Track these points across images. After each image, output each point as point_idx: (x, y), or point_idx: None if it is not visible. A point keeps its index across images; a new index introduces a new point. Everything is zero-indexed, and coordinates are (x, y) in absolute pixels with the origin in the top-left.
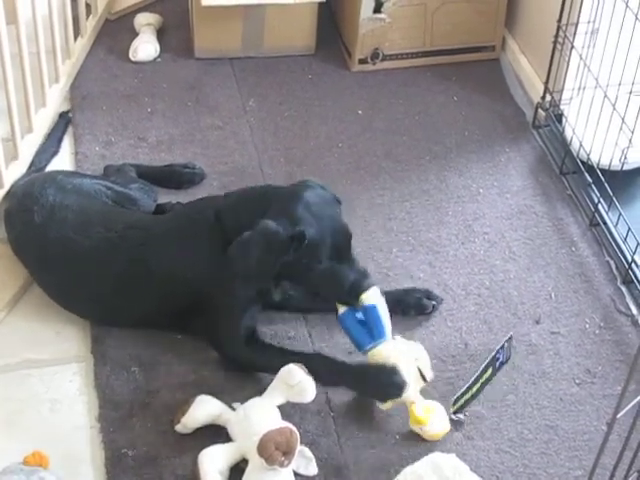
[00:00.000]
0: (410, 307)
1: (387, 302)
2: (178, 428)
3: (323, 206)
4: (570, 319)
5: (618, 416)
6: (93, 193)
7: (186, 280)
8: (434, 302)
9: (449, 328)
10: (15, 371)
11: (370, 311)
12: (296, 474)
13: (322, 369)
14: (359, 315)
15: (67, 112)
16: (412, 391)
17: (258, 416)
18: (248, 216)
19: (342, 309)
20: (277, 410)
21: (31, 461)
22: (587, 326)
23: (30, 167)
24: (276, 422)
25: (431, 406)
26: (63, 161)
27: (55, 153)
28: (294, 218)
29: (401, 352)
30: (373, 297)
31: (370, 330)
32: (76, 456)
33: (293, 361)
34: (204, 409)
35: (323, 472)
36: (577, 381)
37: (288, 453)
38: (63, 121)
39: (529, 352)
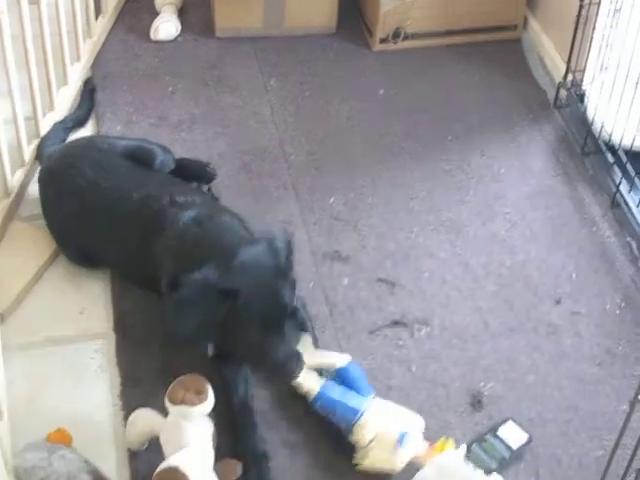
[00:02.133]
0: None
1: None
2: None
3: (261, 271)
4: (591, 299)
5: None
6: (122, 150)
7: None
8: None
9: (469, 308)
10: (38, 348)
11: (343, 376)
12: None
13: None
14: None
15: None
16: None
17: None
18: (186, 259)
19: (313, 392)
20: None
21: (54, 438)
22: (608, 306)
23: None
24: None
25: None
26: None
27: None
28: (229, 275)
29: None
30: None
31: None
32: (98, 433)
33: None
34: (134, 431)
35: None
36: (597, 361)
37: (200, 393)
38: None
39: (549, 332)
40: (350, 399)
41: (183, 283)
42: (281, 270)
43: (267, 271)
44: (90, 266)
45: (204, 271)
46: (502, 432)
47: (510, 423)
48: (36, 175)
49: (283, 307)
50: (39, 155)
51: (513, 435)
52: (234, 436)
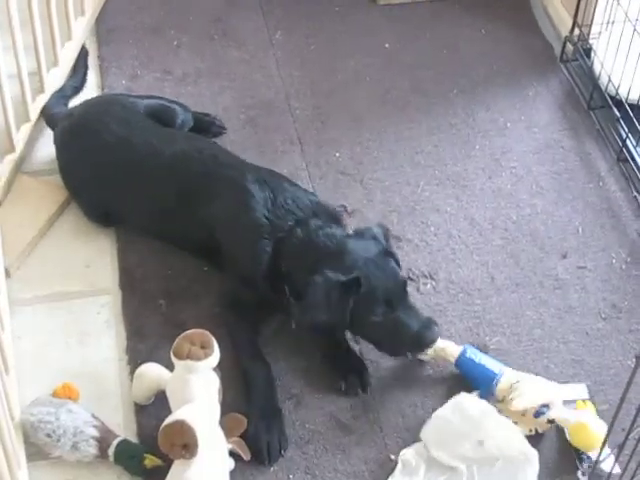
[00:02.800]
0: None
1: None
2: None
3: (373, 256)
4: (597, 254)
5: None
6: (144, 108)
7: (222, 239)
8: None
9: (475, 262)
10: (43, 303)
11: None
12: None
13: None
14: (472, 356)
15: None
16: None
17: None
18: (299, 260)
19: (456, 354)
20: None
21: (61, 393)
22: (614, 261)
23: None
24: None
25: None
26: (90, 95)
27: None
28: (346, 267)
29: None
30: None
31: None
32: (104, 388)
33: (238, 345)
34: (140, 386)
35: (349, 404)
36: (603, 316)
37: (206, 348)
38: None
39: (555, 286)
40: (490, 360)
41: (307, 287)
42: (388, 251)
43: (377, 254)
44: (111, 224)
45: (323, 271)
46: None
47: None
48: (41, 131)
49: (402, 282)
50: (49, 119)
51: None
52: (248, 390)
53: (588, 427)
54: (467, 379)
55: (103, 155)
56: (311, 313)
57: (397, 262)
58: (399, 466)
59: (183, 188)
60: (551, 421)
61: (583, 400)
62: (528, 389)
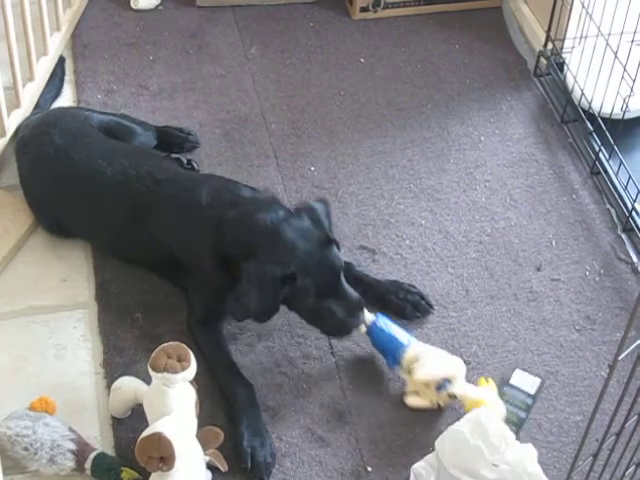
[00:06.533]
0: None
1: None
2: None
3: (312, 246)
4: (570, 266)
5: (620, 358)
6: (98, 123)
7: (174, 247)
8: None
9: (450, 275)
10: (19, 317)
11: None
12: None
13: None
14: (383, 326)
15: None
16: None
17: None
18: (240, 245)
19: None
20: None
21: (37, 407)
22: (587, 273)
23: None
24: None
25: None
26: None
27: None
28: (283, 258)
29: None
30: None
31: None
32: (81, 402)
33: (219, 369)
34: (117, 399)
35: (326, 416)
36: (577, 327)
37: (182, 360)
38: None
39: (529, 299)
40: (400, 330)
41: (242, 272)
42: (326, 238)
43: (315, 243)
44: (66, 236)
45: (260, 260)
46: (515, 381)
47: (518, 371)
48: None
49: (337, 272)
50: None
51: (526, 381)
52: (235, 411)
53: (485, 404)
54: (376, 348)
55: (46, 167)
56: (243, 302)
57: (337, 245)
58: (411, 478)
59: (125, 206)
60: (452, 396)
61: (486, 378)
62: (431, 361)
